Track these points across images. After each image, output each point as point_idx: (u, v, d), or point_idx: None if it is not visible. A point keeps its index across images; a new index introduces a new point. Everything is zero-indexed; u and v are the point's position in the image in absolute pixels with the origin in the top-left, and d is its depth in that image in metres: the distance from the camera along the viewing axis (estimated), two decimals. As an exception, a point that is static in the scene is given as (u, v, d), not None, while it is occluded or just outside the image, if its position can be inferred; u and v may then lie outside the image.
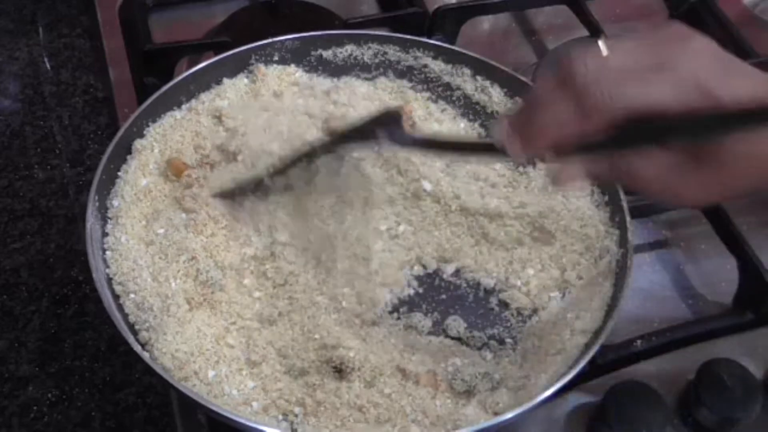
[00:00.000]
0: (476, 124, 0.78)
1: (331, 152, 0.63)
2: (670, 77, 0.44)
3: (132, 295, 0.61)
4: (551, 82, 0.48)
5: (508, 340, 0.64)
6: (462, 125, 0.78)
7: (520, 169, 0.73)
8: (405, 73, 0.79)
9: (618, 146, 0.48)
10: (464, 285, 0.68)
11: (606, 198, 0.68)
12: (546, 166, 0.57)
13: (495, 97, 0.77)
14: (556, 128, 0.48)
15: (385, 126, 0.60)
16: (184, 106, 0.74)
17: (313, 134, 0.69)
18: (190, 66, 0.77)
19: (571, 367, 0.57)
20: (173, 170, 0.68)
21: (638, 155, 0.48)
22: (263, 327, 0.62)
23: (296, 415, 0.57)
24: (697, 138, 0.46)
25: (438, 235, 0.69)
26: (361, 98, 0.76)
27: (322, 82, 0.78)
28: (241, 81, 0.76)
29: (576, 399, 0.62)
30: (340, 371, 0.59)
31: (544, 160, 0.53)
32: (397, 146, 0.60)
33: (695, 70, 0.44)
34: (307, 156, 0.64)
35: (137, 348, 0.57)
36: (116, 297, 0.61)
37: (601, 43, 0.46)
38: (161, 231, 0.65)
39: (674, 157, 0.47)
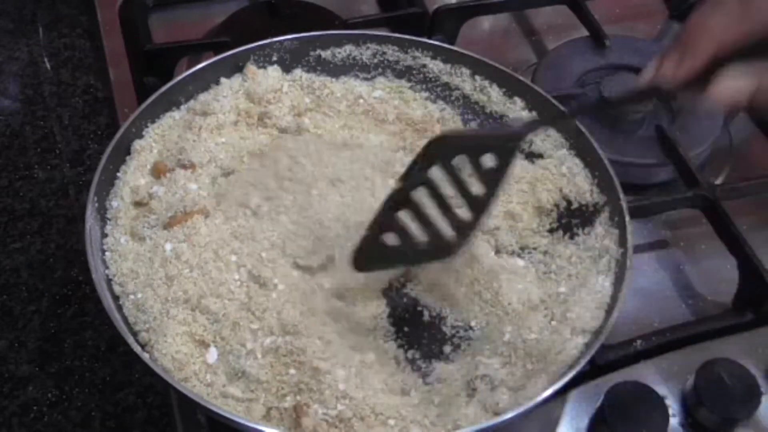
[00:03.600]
0: (475, 124, 0.78)
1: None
2: None
3: (131, 296, 0.61)
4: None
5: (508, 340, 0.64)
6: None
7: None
8: (404, 73, 0.79)
9: None
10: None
11: (605, 198, 0.68)
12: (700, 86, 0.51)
13: (494, 97, 0.77)
14: (718, 34, 0.45)
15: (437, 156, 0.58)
16: (183, 107, 0.74)
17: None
18: (190, 66, 0.77)
19: (571, 367, 0.57)
20: (156, 171, 0.69)
21: None
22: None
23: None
24: None
25: None
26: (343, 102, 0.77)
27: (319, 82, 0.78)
28: (236, 81, 0.76)
29: (576, 399, 0.62)
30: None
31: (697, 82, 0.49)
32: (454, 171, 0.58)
33: None
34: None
35: (137, 349, 0.57)
36: (116, 298, 0.61)
37: None
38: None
39: None
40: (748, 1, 0.44)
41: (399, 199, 0.60)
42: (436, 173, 0.59)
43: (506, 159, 0.58)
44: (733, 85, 0.46)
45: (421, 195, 0.60)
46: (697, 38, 0.46)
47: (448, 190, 0.60)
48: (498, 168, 0.58)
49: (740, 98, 0.47)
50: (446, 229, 0.60)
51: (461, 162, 0.58)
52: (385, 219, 0.60)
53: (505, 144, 0.58)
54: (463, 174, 0.59)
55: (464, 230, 0.60)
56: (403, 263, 0.65)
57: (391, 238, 0.61)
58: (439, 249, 0.61)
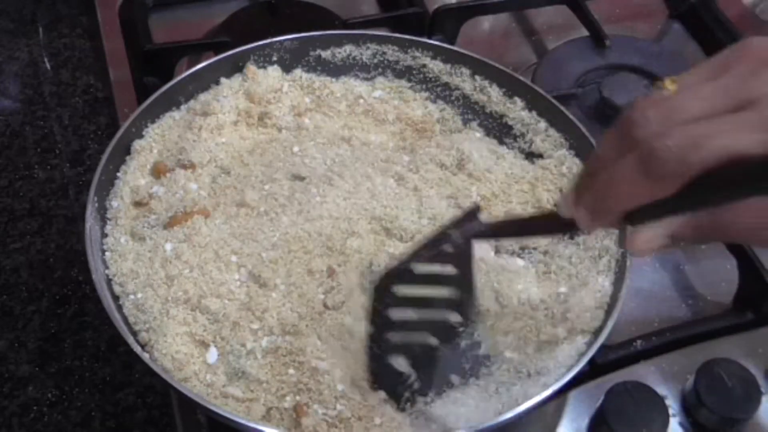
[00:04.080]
0: (475, 124, 0.78)
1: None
2: (755, 118, 0.37)
3: (131, 296, 0.61)
4: (612, 142, 0.41)
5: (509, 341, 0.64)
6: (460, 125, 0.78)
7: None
8: (404, 73, 0.79)
9: (699, 205, 0.41)
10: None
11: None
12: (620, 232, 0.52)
13: (494, 97, 0.77)
14: (625, 198, 0.41)
15: (462, 224, 0.56)
16: (183, 107, 0.74)
17: None
18: (190, 66, 0.77)
19: (571, 367, 0.57)
20: (156, 171, 0.69)
21: (725, 209, 0.42)
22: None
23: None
24: None
25: None
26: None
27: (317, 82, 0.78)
28: (236, 81, 0.76)
29: (576, 399, 0.62)
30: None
31: (621, 227, 0.47)
32: (469, 240, 0.56)
33: None
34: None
35: (137, 349, 0.57)
36: (116, 298, 0.61)
37: (663, 83, 0.40)
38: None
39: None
40: (650, 156, 0.39)
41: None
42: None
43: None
44: (648, 237, 0.44)
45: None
46: (604, 202, 0.43)
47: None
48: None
49: (655, 247, 0.45)
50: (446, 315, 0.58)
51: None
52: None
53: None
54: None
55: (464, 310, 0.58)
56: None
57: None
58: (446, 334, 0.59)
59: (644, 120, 0.39)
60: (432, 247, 0.57)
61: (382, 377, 0.58)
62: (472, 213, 0.57)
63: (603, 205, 0.43)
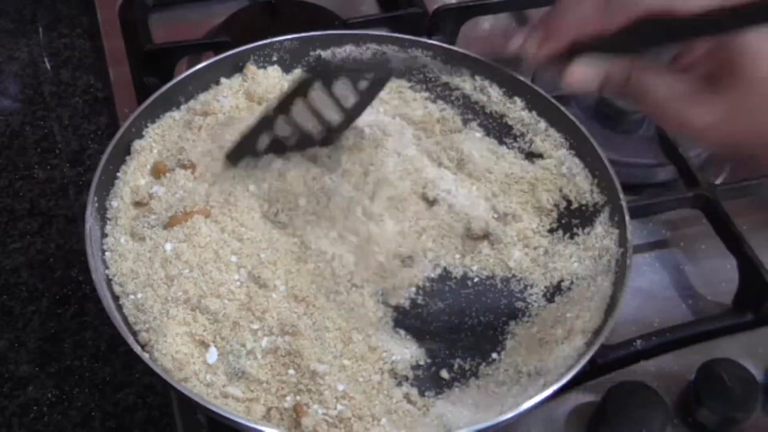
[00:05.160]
0: (475, 124, 0.78)
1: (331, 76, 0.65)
2: None
3: (131, 296, 0.61)
4: None
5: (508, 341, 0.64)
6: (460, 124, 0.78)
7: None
8: (404, 73, 0.79)
9: (634, 47, 0.49)
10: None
11: (605, 198, 0.68)
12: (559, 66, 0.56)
13: (494, 97, 0.77)
14: (579, 23, 0.49)
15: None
16: (183, 107, 0.74)
17: None
18: (190, 66, 0.77)
19: (571, 367, 0.57)
20: (156, 171, 0.69)
21: (653, 72, 0.49)
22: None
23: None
24: (713, 34, 0.46)
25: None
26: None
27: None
28: (236, 81, 0.76)
29: (576, 399, 0.62)
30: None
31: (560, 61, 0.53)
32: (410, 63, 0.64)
33: None
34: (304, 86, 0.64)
35: (137, 349, 0.57)
36: (116, 298, 0.61)
37: None
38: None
39: (689, 84, 0.47)
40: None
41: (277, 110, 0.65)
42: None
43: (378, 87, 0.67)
44: (584, 72, 0.50)
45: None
46: (560, 23, 0.51)
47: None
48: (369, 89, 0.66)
49: (589, 85, 0.51)
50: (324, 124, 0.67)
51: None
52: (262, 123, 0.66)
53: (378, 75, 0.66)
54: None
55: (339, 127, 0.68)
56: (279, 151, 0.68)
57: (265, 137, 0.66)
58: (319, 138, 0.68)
59: None
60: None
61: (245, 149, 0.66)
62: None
63: (558, 29, 0.51)
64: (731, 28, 0.45)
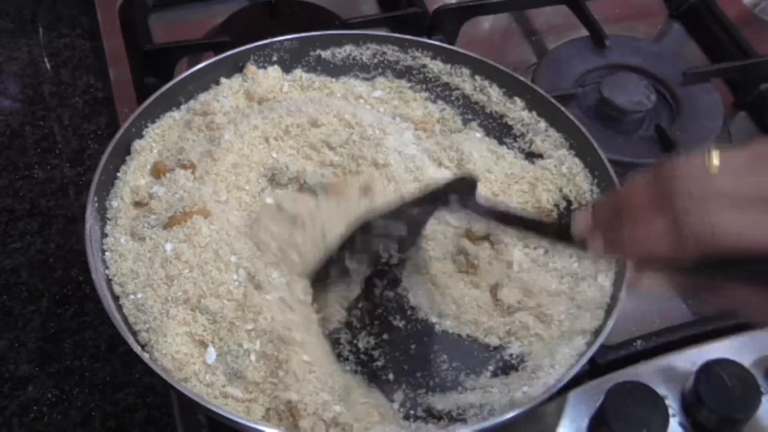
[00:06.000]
0: (475, 124, 0.78)
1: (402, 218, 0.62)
2: None
3: (131, 296, 0.61)
4: (647, 191, 0.44)
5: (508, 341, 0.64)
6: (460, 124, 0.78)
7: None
8: (404, 73, 0.79)
9: (710, 277, 0.44)
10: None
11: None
12: (628, 265, 0.55)
13: (494, 97, 0.77)
14: (646, 247, 0.44)
15: (459, 192, 0.60)
16: (183, 107, 0.74)
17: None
18: (190, 66, 0.77)
19: (571, 367, 0.57)
20: (156, 171, 0.69)
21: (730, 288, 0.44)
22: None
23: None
24: None
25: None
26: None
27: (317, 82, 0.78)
28: (236, 81, 0.76)
29: (576, 399, 0.62)
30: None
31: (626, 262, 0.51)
32: (469, 214, 0.60)
33: None
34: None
35: (137, 349, 0.57)
36: (116, 298, 0.61)
37: (710, 154, 0.42)
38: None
39: None
40: (681, 226, 0.42)
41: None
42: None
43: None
44: (650, 282, 0.48)
45: None
46: (623, 237, 0.46)
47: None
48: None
49: (659, 291, 0.49)
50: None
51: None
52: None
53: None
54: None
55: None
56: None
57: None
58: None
59: (686, 191, 0.41)
60: (425, 203, 0.61)
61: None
62: (471, 183, 0.60)
63: (621, 245, 0.46)
64: None
